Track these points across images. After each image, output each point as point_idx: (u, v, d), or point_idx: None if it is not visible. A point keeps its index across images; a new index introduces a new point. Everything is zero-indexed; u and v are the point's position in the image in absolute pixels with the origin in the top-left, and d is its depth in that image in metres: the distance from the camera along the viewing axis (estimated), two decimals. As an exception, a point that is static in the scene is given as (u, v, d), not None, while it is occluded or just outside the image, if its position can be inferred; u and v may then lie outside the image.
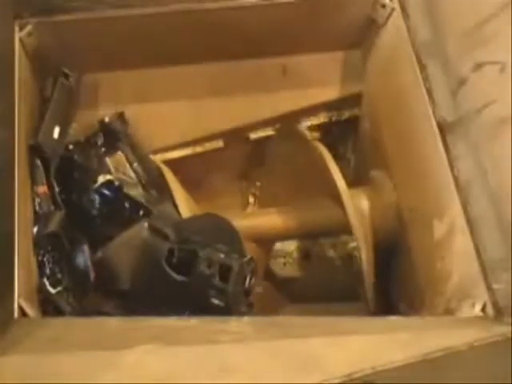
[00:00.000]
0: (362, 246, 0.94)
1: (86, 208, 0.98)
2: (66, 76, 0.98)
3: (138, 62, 1.05)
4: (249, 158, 1.23)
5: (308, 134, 1.09)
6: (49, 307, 0.87)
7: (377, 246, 1.04)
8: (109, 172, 1.02)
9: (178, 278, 0.84)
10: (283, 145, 1.16)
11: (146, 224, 0.87)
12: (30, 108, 0.92)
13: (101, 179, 0.99)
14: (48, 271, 0.88)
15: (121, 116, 1.06)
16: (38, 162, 0.91)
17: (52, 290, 0.88)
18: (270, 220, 1.07)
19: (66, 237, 0.89)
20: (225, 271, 0.83)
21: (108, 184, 0.99)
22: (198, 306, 0.83)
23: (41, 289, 0.87)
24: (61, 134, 0.95)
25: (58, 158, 0.94)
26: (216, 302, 0.82)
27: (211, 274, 0.83)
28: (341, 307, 1.07)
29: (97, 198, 0.98)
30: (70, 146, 1.00)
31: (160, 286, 0.85)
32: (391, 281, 1.06)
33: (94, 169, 1.01)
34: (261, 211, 1.15)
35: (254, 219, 1.11)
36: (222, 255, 0.84)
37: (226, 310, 0.82)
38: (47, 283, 0.88)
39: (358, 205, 1.01)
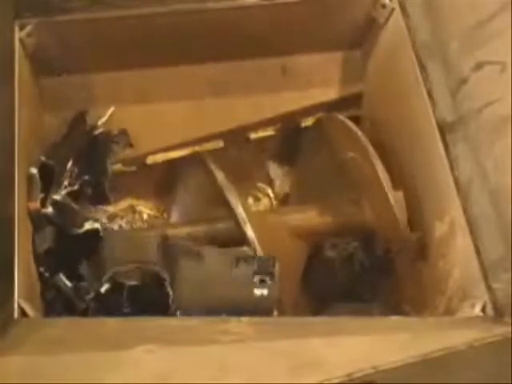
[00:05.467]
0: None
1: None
2: (84, 121, 1.02)
3: (138, 62, 1.05)
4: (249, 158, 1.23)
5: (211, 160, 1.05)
6: (58, 306, 0.87)
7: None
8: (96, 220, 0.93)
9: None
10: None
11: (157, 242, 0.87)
12: (29, 108, 0.92)
13: (87, 226, 0.90)
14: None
15: None
16: (37, 178, 0.89)
17: (69, 284, 0.87)
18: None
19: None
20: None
21: (93, 232, 0.91)
22: (242, 305, 0.83)
23: (52, 285, 0.87)
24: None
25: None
26: (259, 292, 0.83)
27: (250, 264, 0.85)
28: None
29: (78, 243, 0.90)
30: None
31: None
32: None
33: (80, 213, 0.93)
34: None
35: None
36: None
37: (270, 300, 0.83)
38: (63, 277, 0.88)
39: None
